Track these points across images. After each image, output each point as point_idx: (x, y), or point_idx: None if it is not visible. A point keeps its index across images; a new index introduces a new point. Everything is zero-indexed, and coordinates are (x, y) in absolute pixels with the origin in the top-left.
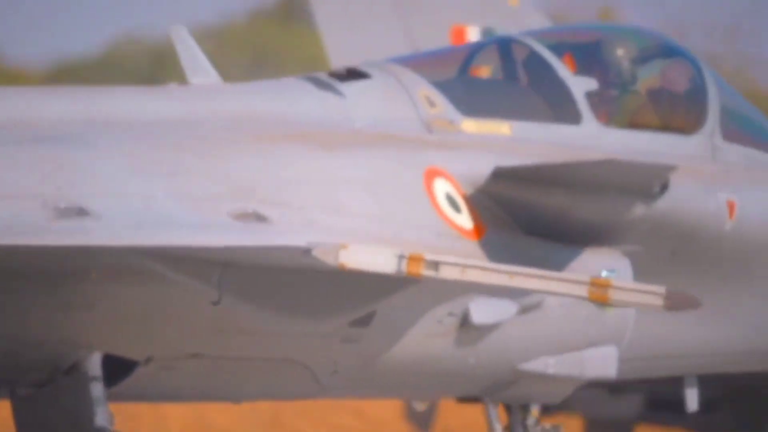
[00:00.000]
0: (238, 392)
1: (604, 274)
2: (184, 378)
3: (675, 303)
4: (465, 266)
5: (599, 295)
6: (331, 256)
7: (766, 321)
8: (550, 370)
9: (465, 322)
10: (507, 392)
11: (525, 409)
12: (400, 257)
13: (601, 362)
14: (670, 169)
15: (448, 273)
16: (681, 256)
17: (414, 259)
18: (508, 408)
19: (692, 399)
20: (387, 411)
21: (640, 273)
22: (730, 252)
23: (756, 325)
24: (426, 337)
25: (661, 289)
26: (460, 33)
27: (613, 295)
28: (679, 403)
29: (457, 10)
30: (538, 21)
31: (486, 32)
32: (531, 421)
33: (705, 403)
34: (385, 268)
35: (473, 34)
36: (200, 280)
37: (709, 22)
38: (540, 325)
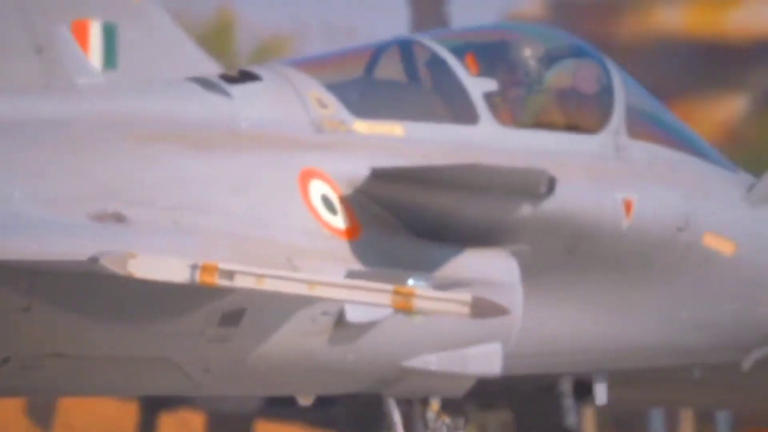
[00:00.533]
0: (109, 388)
1: (410, 282)
2: (50, 376)
3: (481, 310)
4: (261, 276)
5: (403, 304)
6: (119, 265)
7: (667, 317)
8: (433, 368)
9: (340, 320)
10: (397, 388)
11: (425, 403)
12: (193, 267)
13: (485, 359)
14: (540, 173)
15: (243, 282)
16: (578, 255)
17: (207, 268)
18: (409, 402)
19: (601, 393)
20: (8, 409)
21: (536, 271)
22: (629, 250)
23: (657, 321)
24: (300, 336)
25: (466, 297)
26: (81, 28)
27: (418, 303)
28: (294, 399)
29: (77, 4)
30: (161, 17)
31: (107, 27)
32: (431, 415)
33: (320, 400)
34: (176, 278)
35: (95, 29)
36: (10, 286)
37: (328, 22)
38: (420, 324)
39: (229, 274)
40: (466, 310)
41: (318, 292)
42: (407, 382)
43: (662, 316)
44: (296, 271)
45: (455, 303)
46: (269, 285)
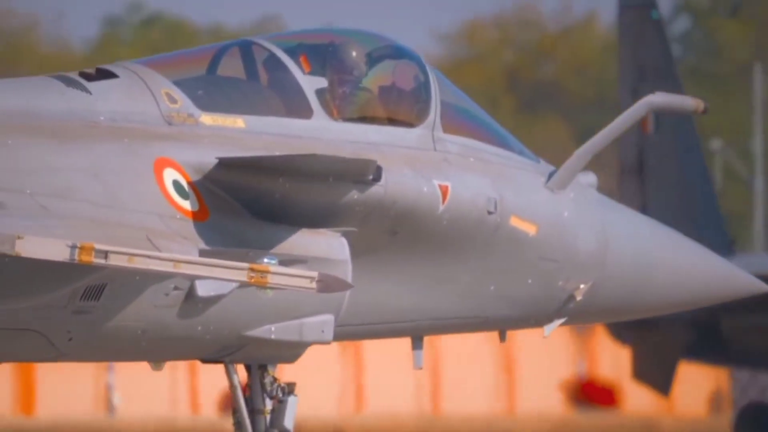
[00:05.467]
0: None
1: (265, 260)
2: None
3: (327, 285)
4: (132, 255)
5: (258, 280)
6: (7, 245)
7: (478, 291)
8: (273, 336)
9: (190, 294)
10: (239, 354)
11: (262, 368)
12: (73, 247)
13: (319, 329)
14: (370, 162)
15: (116, 260)
16: (402, 235)
17: (85, 248)
18: (248, 368)
19: (419, 358)
20: None
21: (364, 250)
22: (446, 231)
23: (469, 294)
24: (155, 308)
25: (314, 273)
26: None
27: (272, 279)
28: None
29: None
30: None
31: None
32: (268, 379)
33: None
34: (58, 257)
35: None
36: None
37: None
38: (261, 297)
39: (104, 254)
40: (313, 284)
41: (183, 269)
42: (248, 350)
43: (474, 289)
44: (156, 250)
45: (304, 278)
46: (139, 263)
